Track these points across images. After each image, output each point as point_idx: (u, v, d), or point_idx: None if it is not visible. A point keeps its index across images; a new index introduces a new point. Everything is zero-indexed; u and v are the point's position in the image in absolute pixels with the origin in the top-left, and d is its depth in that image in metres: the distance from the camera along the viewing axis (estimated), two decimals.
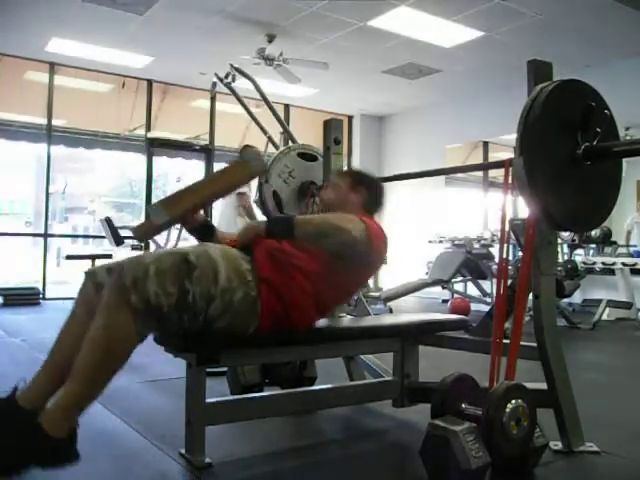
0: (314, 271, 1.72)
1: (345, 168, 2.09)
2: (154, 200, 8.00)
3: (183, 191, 1.77)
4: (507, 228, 1.80)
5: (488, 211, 8.27)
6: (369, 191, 1.99)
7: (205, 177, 1.96)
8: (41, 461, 1.39)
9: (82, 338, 1.50)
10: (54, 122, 6.96)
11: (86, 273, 1.70)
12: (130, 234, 6.89)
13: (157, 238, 6.62)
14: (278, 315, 1.65)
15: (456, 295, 6.42)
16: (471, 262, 5.98)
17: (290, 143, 3.15)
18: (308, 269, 1.71)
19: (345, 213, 1.85)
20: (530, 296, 1.81)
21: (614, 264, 5.66)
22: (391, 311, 5.54)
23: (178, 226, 6.54)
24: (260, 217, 4.60)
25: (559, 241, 5.80)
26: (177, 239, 6.52)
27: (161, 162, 8.15)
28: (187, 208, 1.78)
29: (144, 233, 1.88)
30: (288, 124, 6.96)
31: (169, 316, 1.46)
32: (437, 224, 7.69)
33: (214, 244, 1.75)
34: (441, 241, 6.70)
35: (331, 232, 1.70)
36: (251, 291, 1.60)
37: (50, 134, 6.92)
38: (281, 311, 1.65)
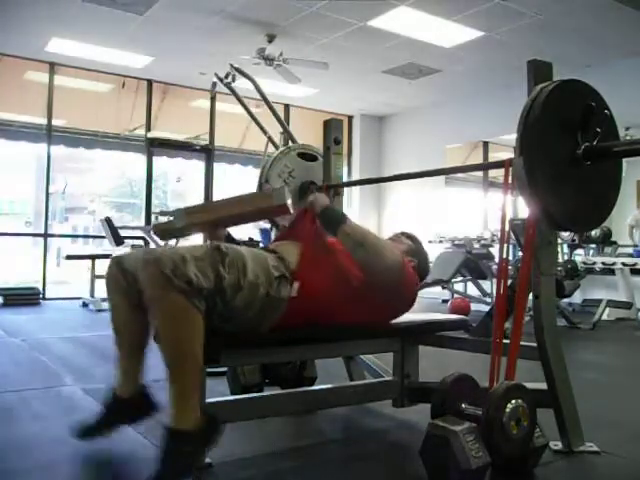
0: (348, 284, 1.74)
1: (405, 230, 2.16)
2: (154, 200, 8.02)
3: (206, 204, 1.87)
4: (507, 228, 1.80)
5: (488, 211, 8.27)
6: (419, 263, 2.02)
7: (229, 198, 2.05)
8: (200, 449, 1.48)
9: (132, 320, 1.71)
10: (54, 122, 6.97)
11: (113, 259, 1.76)
12: (129, 234, 6.91)
13: (157, 238, 6.63)
14: (298, 315, 1.66)
15: (456, 295, 6.42)
16: (471, 262, 5.97)
17: (290, 143, 3.15)
18: (343, 280, 1.73)
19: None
20: (530, 296, 1.81)
21: (614, 264, 5.67)
22: None
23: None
24: None
25: (559, 241, 5.80)
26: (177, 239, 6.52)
27: (161, 162, 8.16)
28: (205, 221, 1.89)
29: (162, 231, 1.97)
30: (288, 124, 6.96)
31: (208, 296, 1.48)
32: (437, 224, 7.70)
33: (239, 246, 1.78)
34: (441, 241, 6.70)
35: (369, 246, 1.74)
36: (277, 291, 1.61)
37: (50, 134, 6.92)
38: (302, 312, 1.67)
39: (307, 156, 2.73)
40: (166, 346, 1.46)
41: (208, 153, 7.94)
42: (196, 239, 2.05)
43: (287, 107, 8.48)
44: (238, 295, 1.54)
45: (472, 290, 6.82)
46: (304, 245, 1.77)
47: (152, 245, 6.50)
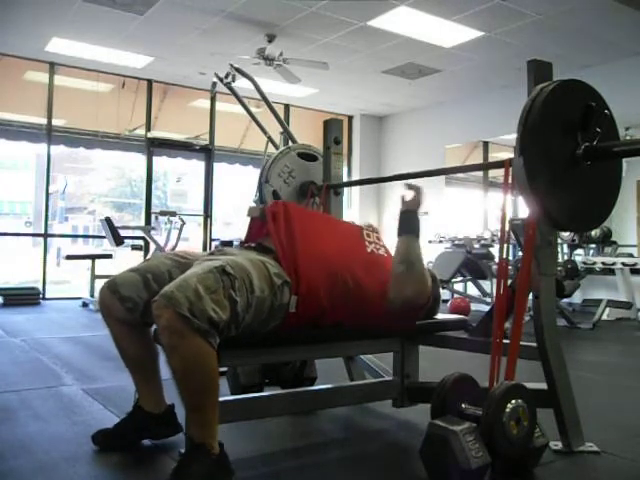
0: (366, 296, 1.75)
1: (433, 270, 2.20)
2: (154, 200, 8.02)
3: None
4: (507, 228, 1.80)
5: (488, 211, 8.27)
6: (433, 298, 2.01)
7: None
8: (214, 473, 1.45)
9: (137, 342, 1.75)
10: (54, 122, 6.96)
11: (105, 285, 1.74)
12: (129, 234, 6.91)
13: (157, 238, 6.64)
14: (297, 323, 1.68)
15: (456, 295, 6.42)
16: (471, 262, 5.97)
17: (290, 143, 3.15)
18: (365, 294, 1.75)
19: None
20: (530, 296, 1.81)
21: (614, 264, 5.67)
22: None
23: (178, 227, 6.56)
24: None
25: (559, 241, 5.80)
26: (177, 239, 6.54)
27: (161, 162, 8.15)
28: None
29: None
30: (288, 124, 6.96)
31: (224, 328, 1.47)
32: (437, 224, 7.70)
33: (234, 250, 1.78)
34: (441, 241, 6.70)
35: (414, 271, 1.78)
36: (280, 299, 1.62)
37: (50, 134, 6.92)
38: (301, 321, 1.69)
39: (307, 156, 2.73)
40: (185, 388, 1.44)
41: (208, 153, 7.94)
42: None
43: (287, 107, 8.48)
44: (247, 313, 1.54)
45: (472, 290, 6.82)
46: (291, 254, 1.72)
47: (152, 245, 6.51)
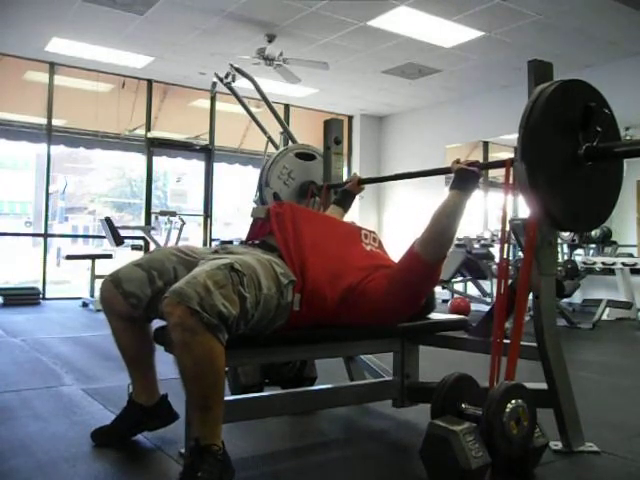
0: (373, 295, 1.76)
1: None
2: (154, 200, 8.02)
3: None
4: (507, 228, 1.80)
5: (488, 211, 8.26)
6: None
7: None
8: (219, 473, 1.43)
9: (137, 338, 1.75)
10: (54, 122, 6.96)
11: (108, 278, 1.73)
12: (130, 234, 6.91)
13: (157, 238, 6.65)
14: (301, 323, 1.70)
15: (456, 295, 6.42)
16: (471, 262, 5.97)
17: (290, 143, 3.15)
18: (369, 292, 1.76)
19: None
20: (530, 296, 1.81)
21: (614, 264, 5.66)
22: None
23: (178, 227, 6.56)
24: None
25: (559, 241, 5.80)
26: (177, 239, 6.54)
27: (161, 162, 8.15)
28: None
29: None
30: (288, 124, 6.96)
31: (232, 324, 1.46)
32: None
33: (239, 248, 1.78)
34: None
35: (448, 226, 1.90)
36: (286, 298, 1.62)
37: (50, 134, 6.92)
38: (305, 320, 1.70)
39: (305, 156, 2.73)
40: (194, 386, 1.44)
41: (208, 153, 7.94)
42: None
43: (287, 107, 8.48)
44: (256, 311, 1.54)
45: (472, 290, 6.82)
46: (299, 252, 1.73)
47: (152, 245, 6.50)
